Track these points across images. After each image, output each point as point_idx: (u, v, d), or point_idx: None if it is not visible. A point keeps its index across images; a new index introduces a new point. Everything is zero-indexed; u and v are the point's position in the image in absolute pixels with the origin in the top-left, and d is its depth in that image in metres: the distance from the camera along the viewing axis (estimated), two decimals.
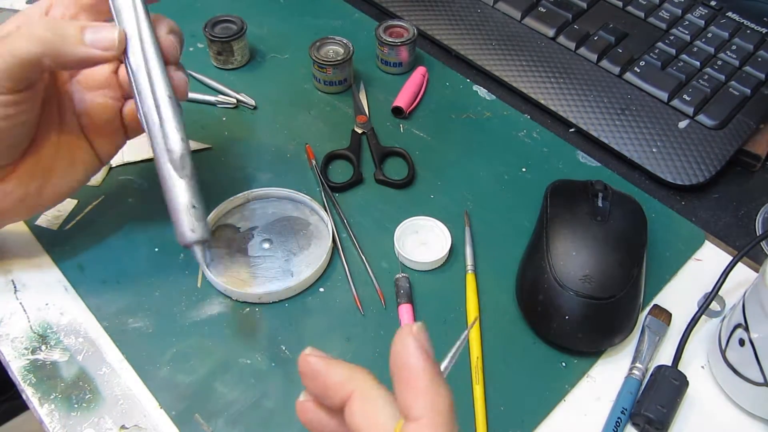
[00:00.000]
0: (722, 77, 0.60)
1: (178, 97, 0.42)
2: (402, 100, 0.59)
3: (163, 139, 0.41)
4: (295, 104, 0.61)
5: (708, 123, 0.57)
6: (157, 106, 0.41)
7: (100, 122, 0.44)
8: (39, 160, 0.43)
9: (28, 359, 0.44)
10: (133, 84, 0.41)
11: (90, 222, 0.51)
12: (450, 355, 0.30)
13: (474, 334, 0.45)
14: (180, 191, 0.41)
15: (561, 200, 0.49)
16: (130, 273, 0.48)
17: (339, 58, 0.59)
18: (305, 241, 0.50)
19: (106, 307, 0.46)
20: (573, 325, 0.44)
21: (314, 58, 0.59)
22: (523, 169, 0.56)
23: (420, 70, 0.62)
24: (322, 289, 0.48)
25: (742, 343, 0.40)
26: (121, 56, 0.41)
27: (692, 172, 0.54)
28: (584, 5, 0.66)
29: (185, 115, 0.59)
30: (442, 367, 0.30)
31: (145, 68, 0.41)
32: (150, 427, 0.41)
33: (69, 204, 0.52)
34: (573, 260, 0.45)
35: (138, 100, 0.41)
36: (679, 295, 0.48)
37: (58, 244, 0.50)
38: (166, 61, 0.42)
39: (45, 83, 0.43)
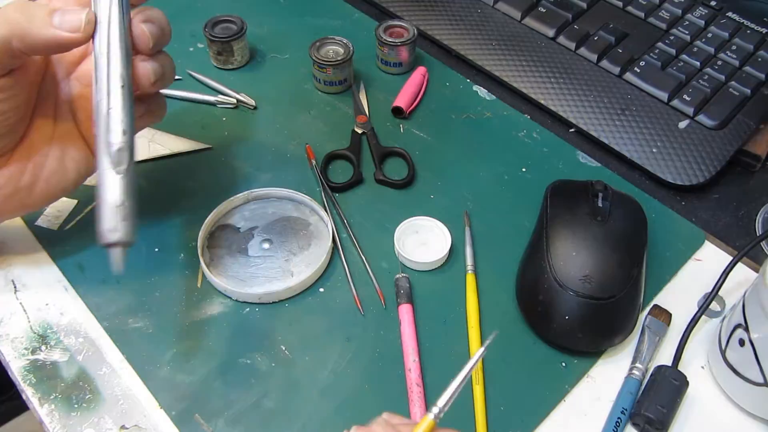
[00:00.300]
0: (722, 77, 0.60)
1: (143, 88, 0.41)
2: (402, 100, 0.59)
3: (105, 130, 0.39)
4: (295, 104, 0.61)
5: (708, 123, 0.57)
6: (108, 95, 0.39)
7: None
8: (30, 155, 0.43)
9: (28, 359, 0.44)
10: (93, 70, 0.40)
11: (90, 222, 0.51)
12: (453, 388, 0.31)
13: (474, 335, 0.45)
14: (110, 186, 0.38)
15: (561, 200, 0.49)
16: (130, 273, 0.48)
17: (339, 58, 0.59)
18: (305, 241, 0.50)
19: (106, 307, 0.46)
20: (573, 325, 0.44)
21: (314, 58, 0.59)
22: (523, 169, 0.56)
23: (420, 70, 0.62)
24: (322, 289, 0.48)
25: (742, 343, 0.40)
26: (89, 40, 0.39)
27: (692, 172, 0.54)
28: (584, 5, 0.66)
29: (187, 116, 0.60)
30: (443, 401, 0.31)
31: (106, 55, 0.39)
32: (150, 427, 0.41)
33: (69, 204, 0.52)
34: (573, 260, 0.45)
35: (94, 87, 0.40)
36: (679, 295, 0.48)
37: (58, 244, 0.50)
38: (135, 50, 0.41)
39: (31, 75, 0.42)
